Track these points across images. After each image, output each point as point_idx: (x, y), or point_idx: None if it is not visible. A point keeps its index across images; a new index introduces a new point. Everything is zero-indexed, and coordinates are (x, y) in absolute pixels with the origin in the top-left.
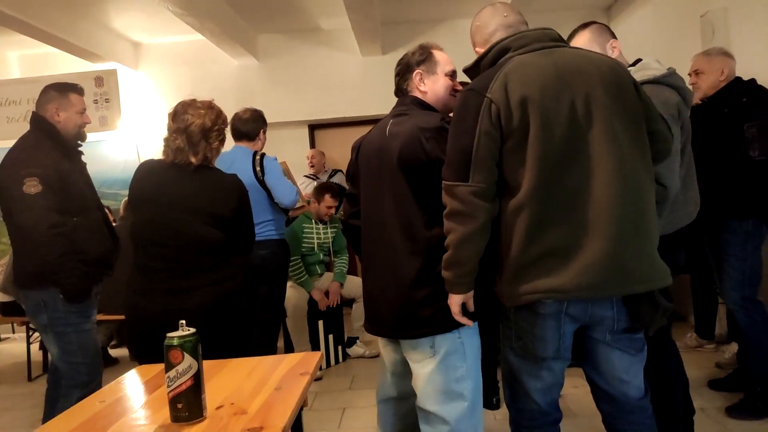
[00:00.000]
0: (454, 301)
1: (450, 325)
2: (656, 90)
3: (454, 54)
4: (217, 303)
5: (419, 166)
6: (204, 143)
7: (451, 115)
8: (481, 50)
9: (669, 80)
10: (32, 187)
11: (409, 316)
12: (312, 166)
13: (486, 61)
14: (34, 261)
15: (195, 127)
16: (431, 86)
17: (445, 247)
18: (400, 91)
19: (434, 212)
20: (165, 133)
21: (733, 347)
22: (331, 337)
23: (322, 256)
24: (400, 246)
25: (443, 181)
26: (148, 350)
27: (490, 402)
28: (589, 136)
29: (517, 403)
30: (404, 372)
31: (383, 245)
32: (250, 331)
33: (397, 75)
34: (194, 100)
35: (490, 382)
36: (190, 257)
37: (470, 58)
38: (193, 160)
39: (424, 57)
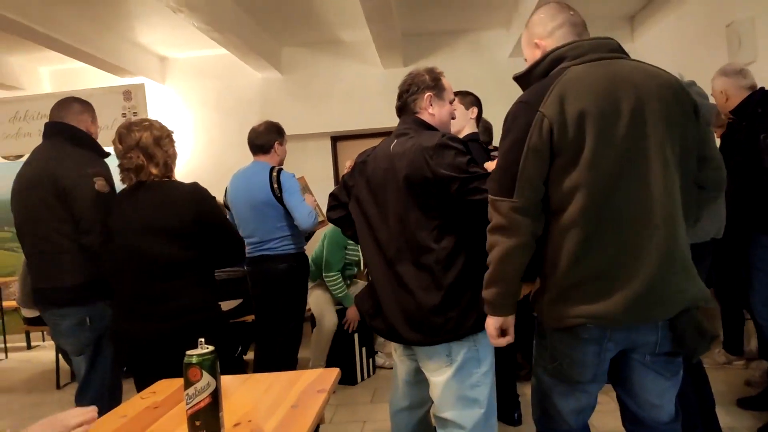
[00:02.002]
0: (491, 324)
1: (462, 332)
2: None
3: (474, 65)
4: (193, 331)
5: (425, 183)
6: (160, 151)
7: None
8: (541, 43)
9: None
10: (103, 186)
11: (421, 325)
12: None
13: (539, 70)
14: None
15: (146, 138)
16: (438, 111)
17: (487, 264)
18: (405, 107)
19: (441, 227)
20: (117, 162)
21: (764, 365)
22: (363, 350)
23: (356, 270)
24: (408, 260)
25: (489, 195)
26: (138, 371)
27: (511, 417)
28: (643, 156)
29: (548, 423)
30: (417, 381)
31: (391, 261)
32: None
33: (405, 91)
34: (131, 120)
35: (510, 397)
36: (157, 283)
37: (490, 70)
38: (154, 171)
39: (435, 82)
